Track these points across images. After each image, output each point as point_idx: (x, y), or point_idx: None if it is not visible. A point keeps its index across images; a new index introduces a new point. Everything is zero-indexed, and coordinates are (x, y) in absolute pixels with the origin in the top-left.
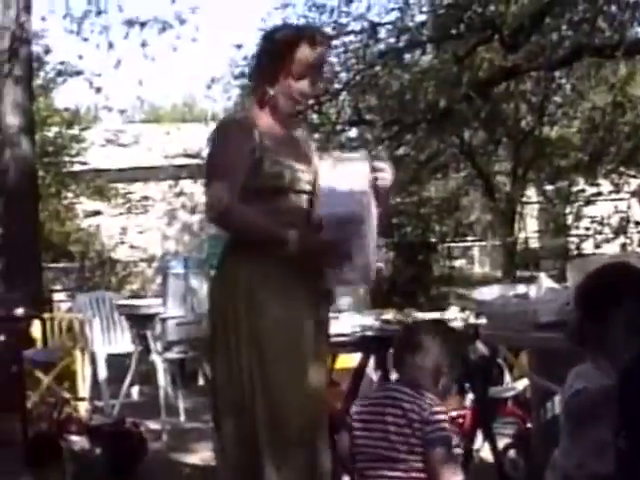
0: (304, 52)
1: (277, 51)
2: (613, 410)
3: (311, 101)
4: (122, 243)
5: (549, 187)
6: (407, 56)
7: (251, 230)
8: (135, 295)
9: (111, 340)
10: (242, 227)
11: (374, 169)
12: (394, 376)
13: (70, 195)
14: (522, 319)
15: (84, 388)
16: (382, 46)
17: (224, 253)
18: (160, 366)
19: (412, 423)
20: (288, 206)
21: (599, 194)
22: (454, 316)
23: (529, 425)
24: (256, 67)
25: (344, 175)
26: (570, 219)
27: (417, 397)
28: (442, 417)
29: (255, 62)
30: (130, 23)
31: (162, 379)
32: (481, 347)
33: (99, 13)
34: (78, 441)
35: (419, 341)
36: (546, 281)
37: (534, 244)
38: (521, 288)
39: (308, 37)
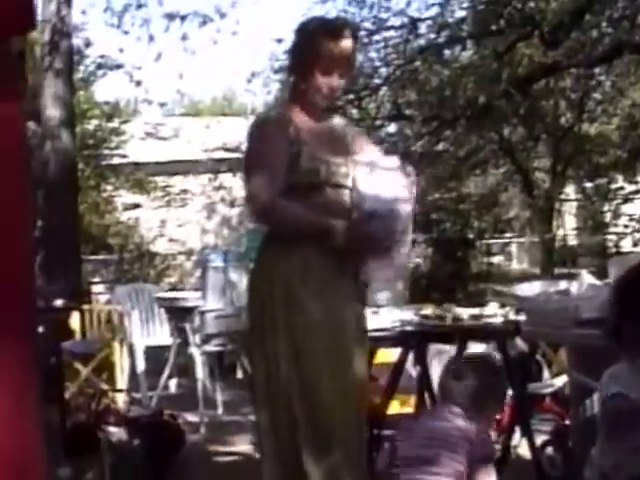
0: (328, 45)
1: (304, 45)
2: None
3: (351, 96)
4: (161, 236)
5: (588, 184)
6: (447, 52)
7: (294, 222)
8: (173, 288)
9: (150, 332)
10: (285, 220)
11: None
12: (434, 371)
13: (109, 188)
14: (563, 315)
15: (122, 380)
16: (422, 41)
17: (262, 247)
18: (198, 359)
19: (458, 440)
20: (325, 201)
21: (638, 192)
22: (494, 312)
23: (567, 422)
24: (290, 62)
25: (383, 181)
26: (608, 217)
27: (462, 416)
28: (487, 437)
29: (289, 57)
30: (170, 16)
31: (200, 372)
32: (520, 343)
33: (139, 6)
34: (116, 432)
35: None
36: (587, 277)
37: (572, 241)
38: (562, 284)
39: (332, 30)
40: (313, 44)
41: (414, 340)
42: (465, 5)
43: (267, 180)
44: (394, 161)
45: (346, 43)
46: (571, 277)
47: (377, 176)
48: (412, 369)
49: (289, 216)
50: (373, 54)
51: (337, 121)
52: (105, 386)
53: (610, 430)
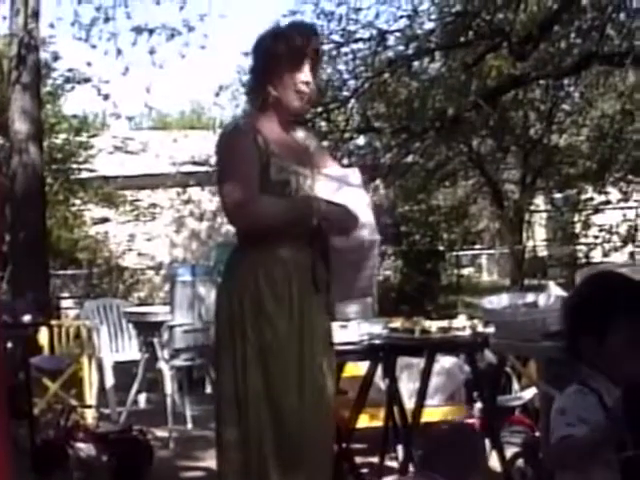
0: (297, 43)
1: (274, 50)
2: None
3: (319, 108)
4: (130, 250)
5: (557, 195)
6: (415, 64)
7: (281, 210)
8: (143, 302)
9: (118, 347)
10: (270, 211)
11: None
12: (403, 384)
13: (78, 202)
14: (531, 328)
15: (91, 395)
16: (390, 54)
17: (230, 262)
18: (167, 373)
19: None
20: None
21: (607, 202)
22: (462, 324)
23: (537, 434)
24: (253, 73)
25: (347, 200)
26: (578, 227)
27: None
28: None
29: (252, 70)
30: (138, 30)
31: (169, 387)
32: (489, 356)
33: (107, 20)
34: (85, 448)
35: None
36: (555, 289)
37: (542, 252)
38: (530, 297)
39: (297, 29)
40: (284, 45)
41: (383, 353)
42: (433, 17)
43: (244, 184)
44: (356, 175)
45: (311, 38)
46: (541, 288)
47: (341, 194)
48: (381, 382)
49: (273, 205)
50: (341, 66)
51: (301, 133)
52: (74, 402)
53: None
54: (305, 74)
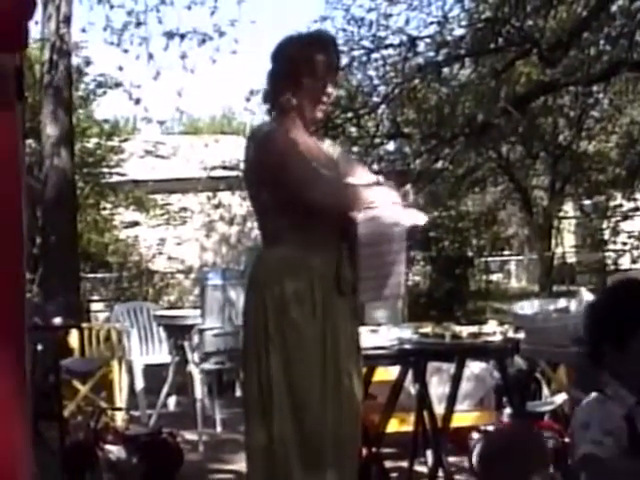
0: (320, 55)
1: (295, 59)
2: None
3: (349, 114)
4: (160, 254)
5: (586, 202)
6: (445, 70)
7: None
8: (172, 306)
9: (148, 350)
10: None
11: None
12: (433, 389)
13: (109, 206)
14: (562, 333)
15: (121, 398)
16: (421, 60)
17: (255, 267)
18: (197, 377)
19: None
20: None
21: (637, 209)
22: (493, 330)
23: (567, 440)
24: (275, 80)
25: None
26: (607, 234)
27: None
28: None
29: (272, 76)
30: (170, 35)
31: (199, 390)
32: (519, 361)
33: (139, 25)
34: (114, 450)
35: None
36: (587, 295)
37: (571, 259)
38: (561, 302)
39: (321, 40)
40: (309, 55)
41: (413, 358)
42: (464, 23)
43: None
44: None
45: (333, 52)
46: (570, 295)
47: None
48: (411, 387)
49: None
50: (372, 72)
51: (325, 142)
52: (104, 404)
53: None
54: (329, 87)
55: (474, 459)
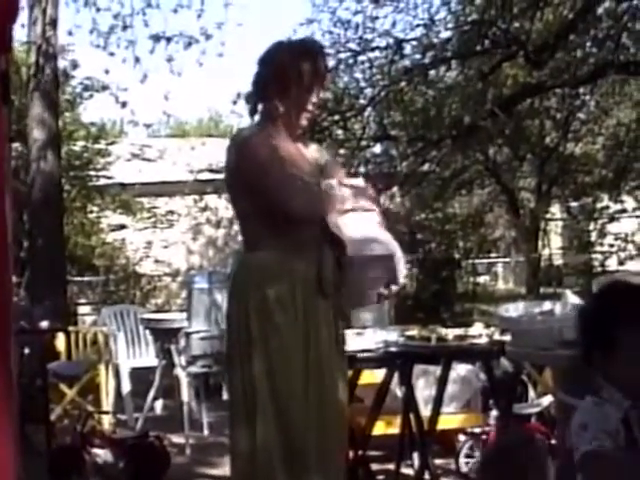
0: (308, 64)
1: (284, 66)
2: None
3: (336, 117)
4: (147, 257)
5: (573, 204)
6: (432, 72)
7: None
8: (159, 309)
9: (135, 354)
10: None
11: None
12: (419, 392)
13: (95, 209)
14: (548, 336)
15: (108, 401)
16: (407, 62)
17: (237, 272)
18: (184, 380)
19: None
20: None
21: (623, 211)
22: (479, 332)
23: (553, 442)
24: (262, 85)
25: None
26: (594, 236)
27: None
28: None
29: (260, 81)
30: (156, 38)
31: (186, 393)
32: (505, 364)
33: (125, 28)
34: (101, 454)
35: None
36: (572, 298)
37: (558, 261)
38: (546, 305)
39: (311, 49)
40: (296, 63)
41: (399, 361)
42: (450, 26)
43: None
44: (368, 189)
45: (321, 61)
46: (556, 297)
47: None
48: (397, 389)
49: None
50: (358, 75)
51: (311, 147)
52: (91, 408)
53: None
54: (315, 95)
55: (461, 462)
